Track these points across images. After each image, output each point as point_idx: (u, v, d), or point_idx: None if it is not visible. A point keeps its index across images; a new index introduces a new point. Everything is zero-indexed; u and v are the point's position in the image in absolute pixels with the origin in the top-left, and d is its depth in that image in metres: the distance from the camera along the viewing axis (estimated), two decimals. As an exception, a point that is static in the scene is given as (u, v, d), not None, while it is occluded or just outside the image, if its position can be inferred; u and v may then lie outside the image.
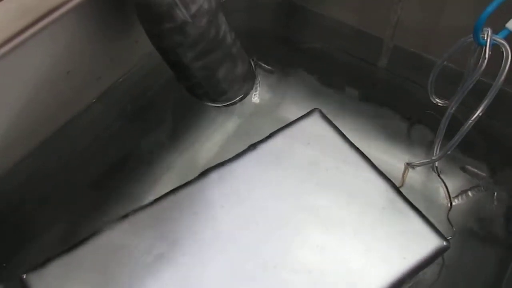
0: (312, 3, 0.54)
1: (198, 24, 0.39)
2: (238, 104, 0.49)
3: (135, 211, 0.38)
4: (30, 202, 0.43)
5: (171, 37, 0.39)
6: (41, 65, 0.39)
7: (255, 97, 0.50)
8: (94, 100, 0.47)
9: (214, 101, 0.48)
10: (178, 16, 0.38)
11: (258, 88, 0.51)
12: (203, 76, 0.44)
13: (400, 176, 0.43)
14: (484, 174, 0.45)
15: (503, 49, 0.33)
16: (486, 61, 0.34)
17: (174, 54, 0.41)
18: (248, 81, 0.49)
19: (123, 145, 0.48)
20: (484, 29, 0.34)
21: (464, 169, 0.46)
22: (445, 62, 0.40)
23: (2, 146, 0.40)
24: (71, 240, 0.37)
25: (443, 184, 0.42)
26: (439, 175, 0.43)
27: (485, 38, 0.34)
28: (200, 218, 0.38)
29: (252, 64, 0.50)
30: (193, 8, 0.38)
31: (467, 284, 0.41)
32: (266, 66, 0.54)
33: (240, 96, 0.48)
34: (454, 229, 0.41)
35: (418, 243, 0.37)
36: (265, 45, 0.56)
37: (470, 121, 0.34)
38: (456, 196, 0.44)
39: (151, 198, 0.39)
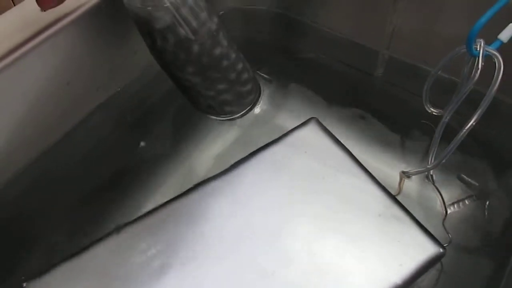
0: (307, 15, 0.55)
1: (200, 40, 0.39)
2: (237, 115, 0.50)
3: (135, 220, 0.39)
4: (30, 211, 0.43)
5: (172, 53, 0.39)
6: (42, 76, 0.40)
7: (256, 108, 0.51)
8: (93, 110, 0.48)
9: (218, 115, 0.47)
10: (180, 32, 0.37)
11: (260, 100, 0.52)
12: (206, 91, 0.43)
13: (396, 184, 0.43)
14: (478, 184, 0.46)
15: (496, 60, 0.34)
16: (479, 71, 0.34)
17: (176, 70, 0.41)
18: (253, 95, 0.48)
19: (123, 154, 0.48)
20: (477, 40, 0.34)
21: (459, 178, 0.46)
22: (439, 72, 0.41)
23: (3, 156, 0.41)
24: (71, 249, 0.37)
25: (438, 194, 0.43)
26: (434, 184, 0.43)
27: (478, 49, 0.34)
28: (198, 227, 0.38)
29: (256, 78, 0.50)
30: (195, 25, 0.38)
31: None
32: (265, 76, 0.54)
33: (245, 110, 0.48)
34: (450, 236, 0.41)
35: (415, 250, 0.37)
36: (262, 56, 0.57)
37: (464, 130, 0.34)
38: (451, 204, 0.44)
39: (150, 207, 0.39)
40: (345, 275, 0.36)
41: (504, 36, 0.35)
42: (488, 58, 0.34)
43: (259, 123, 0.50)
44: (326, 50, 0.54)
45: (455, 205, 0.44)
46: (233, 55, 0.43)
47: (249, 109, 0.48)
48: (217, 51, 0.40)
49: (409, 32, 0.47)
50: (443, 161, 0.36)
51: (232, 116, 0.47)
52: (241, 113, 0.47)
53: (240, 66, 0.44)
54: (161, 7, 0.36)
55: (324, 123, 0.45)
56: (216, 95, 0.44)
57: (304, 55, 0.56)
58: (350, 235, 0.38)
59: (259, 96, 0.49)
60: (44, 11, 0.37)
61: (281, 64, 0.56)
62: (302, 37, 0.56)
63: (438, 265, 0.41)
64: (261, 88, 0.50)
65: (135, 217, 0.39)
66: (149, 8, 0.36)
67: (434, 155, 0.39)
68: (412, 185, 0.45)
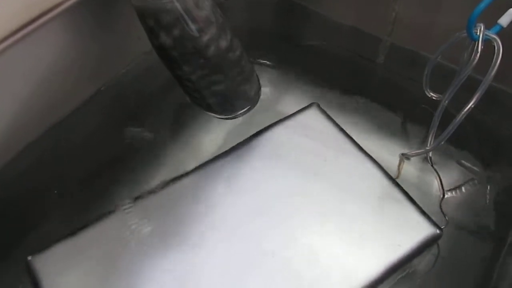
0: (311, 2, 0.55)
1: (205, 36, 0.37)
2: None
3: (136, 199, 0.39)
4: (36, 189, 0.44)
5: (176, 49, 0.38)
6: (44, 60, 0.41)
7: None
8: (95, 92, 0.48)
9: (218, 114, 0.46)
10: (184, 28, 0.36)
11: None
12: (207, 90, 0.42)
13: (396, 168, 0.44)
14: (477, 169, 0.47)
15: (495, 43, 0.35)
16: (478, 55, 0.35)
17: (178, 68, 0.40)
18: (255, 94, 0.46)
19: (125, 136, 0.48)
20: (477, 24, 0.35)
21: (459, 163, 0.47)
22: (440, 59, 0.41)
23: (7, 135, 0.42)
24: (75, 225, 0.38)
25: (437, 176, 0.44)
26: (432, 166, 0.44)
27: (478, 34, 0.35)
28: (199, 208, 0.39)
29: (257, 76, 0.48)
30: (200, 20, 0.36)
31: (460, 273, 0.42)
32: (267, 63, 0.55)
33: (246, 109, 0.46)
34: (447, 218, 0.42)
35: (413, 231, 0.38)
36: (266, 43, 0.57)
37: (463, 112, 0.35)
38: (450, 190, 0.45)
39: (154, 185, 0.40)
40: (344, 254, 0.36)
41: (503, 21, 0.35)
42: (487, 44, 0.35)
43: (262, 109, 0.51)
44: (328, 37, 0.55)
45: (454, 191, 0.45)
46: (238, 51, 0.41)
47: (250, 107, 0.46)
48: (223, 45, 0.39)
49: (411, 20, 0.48)
50: (442, 142, 0.37)
51: (234, 114, 0.46)
52: (242, 111, 0.46)
53: (243, 62, 0.43)
54: (166, 0, 0.35)
55: (326, 109, 0.45)
56: (219, 92, 0.42)
57: (307, 42, 0.56)
58: (350, 216, 0.38)
59: (258, 96, 0.47)
60: None
61: (284, 51, 0.57)
62: (305, 24, 0.56)
63: (434, 249, 0.42)
64: (260, 87, 0.49)
65: (138, 194, 0.39)
66: (154, 1, 0.35)
67: (433, 137, 0.40)
68: (411, 170, 0.45)
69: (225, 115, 0.46)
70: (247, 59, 0.43)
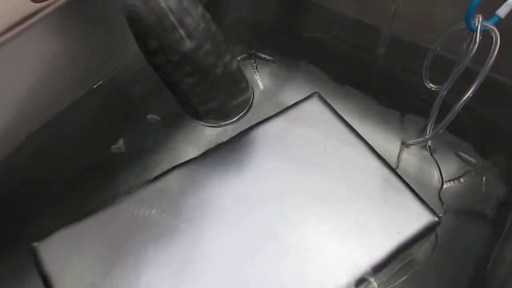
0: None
1: (195, 42, 0.36)
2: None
3: (140, 185, 0.40)
4: (41, 177, 0.45)
5: (165, 56, 0.37)
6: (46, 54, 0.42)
7: (259, 84, 0.52)
8: (99, 84, 0.49)
9: (209, 122, 0.45)
10: (173, 34, 0.35)
11: (259, 76, 0.52)
12: (198, 96, 0.41)
13: (395, 158, 0.45)
14: (475, 159, 0.47)
15: (493, 34, 0.35)
16: (477, 45, 0.36)
17: (169, 73, 0.39)
18: (247, 95, 0.45)
19: (125, 127, 0.49)
20: (476, 16, 0.36)
21: (457, 154, 0.47)
22: (440, 51, 0.42)
23: (11, 124, 0.43)
24: (79, 211, 0.39)
25: (436, 165, 0.44)
26: (431, 154, 0.45)
27: (476, 24, 0.36)
28: (203, 194, 0.39)
29: (249, 83, 0.46)
30: (190, 25, 0.35)
31: (458, 261, 0.42)
32: (268, 57, 0.55)
33: (238, 116, 0.45)
34: (445, 206, 0.43)
35: (411, 218, 0.38)
36: (268, 35, 0.58)
37: (462, 101, 0.36)
38: (449, 180, 0.46)
39: (159, 172, 0.41)
40: (345, 240, 0.37)
41: (501, 12, 0.36)
42: (486, 35, 0.36)
43: (264, 99, 0.51)
44: (330, 29, 0.55)
45: (453, 181, 0.46)
46: (228, 56, 0.40)
47: (243, 113, 0.45)
48: (212, 51, 0.38)
49: (411, 12, 0.48)
50: (441, 131, 0.37)
51: (225, 121, 0.45)
52: (235, 119, 0.45)
53: (234, 65, 0.41)
54: (155, 6, 0.33)
55: (327, 99, 0.46)
56: (209, 99, 0.42)
57: (309, 34, 0.57)
58: (350, 204, 0.39)
59: (248, 103, 0.46)
60: (36, 2, 0.35)
61: (285, 42, 0.57)
62: (307, 16, 0.57)
63: (433, 238, 0.42)
64: (253, 92, 0.48)
65: (142, 181, 0.40)
66: (142, 6, 0.33)
67: (432, 126, 0.41)
68: (410, 160, 0.46)
69: (216, 123, 0.45)
70: (237, 67, 0.42)
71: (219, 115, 0.44)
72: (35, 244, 0.37)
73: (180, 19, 0.34)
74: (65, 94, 0.47)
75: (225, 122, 0.45)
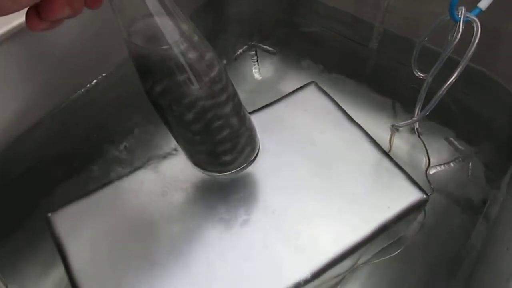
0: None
1: (204, 87, 0.32)
2: (241, 80, 0.53)
3: (146, 165, 0.43)
4: (59, 153, 0.48)
5: (171, 101, 0.33)
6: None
7: (257, 75, 0.55)
8: (106, 74, 0.52)
9: (207, 170, 0.39)
10: (181, 78, 0.31)
11: (259, 67, 0.55)
12: (204, 143, 0.36)
13: (387, 143, 0.48)
14: (463, 147, 0.50)
15: (475, 24, 0.38)
16: (459, 34, 0.39)
17: (175, 119, 0.34)
18: (252, 150, 0.39)
19: (137, 110, 0.52)
20: (459, 7, 0.39)
21: (447, 141, 0.50)
22: (428, 43, 0.45)
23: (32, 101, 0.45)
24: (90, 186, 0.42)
25: (423, 145, 0.47)
26: (419, 136, 0.48)
27: (459, 15, 0.39)
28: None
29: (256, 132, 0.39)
30: (199, 70, 0.31)
31: (443, 240, 0.46)
32: (268, 48, 0.58)
33: (241, 167, 0.38)
34: (433, 187, 0.46)
35: (401, 195, 0.41)
36: (268, 28, 0.60)
37: (446, 85, 0.39)
38: (439, 165, 0.49)
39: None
40: (339, 214, 0.40)
41: (483, 4, 0.39)
42: (468, 26, 0.39)
43: (263, 89, 0.54)
44: (327, 24, 0.58)
45: (439, 166, 0.49)
46: (236, 99, 0.35)
47: (244, 166, 0.39)
48: (222, 97, 0.33)
49: (401, 8, 0.51)
50: (427, 113, 0.40)
51: (232, 170, 0.38)
52: (241, 167, 0.39)
53: (242, 110, 0.36)
54: (163, 48, 0.30)
55: (324, 88, 0.49)
56: (217, 147, 0.36)
57: (307, 28, 0.59)
58: (343, 180, 0.42)
59: (254, 152, 0.39)
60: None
61: (284, 36, 0.60)
62: (305, 11, 0.60)
63: (421, 217, 0.45)
64: (258, 142, 0.39)
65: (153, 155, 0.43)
66: (150, 48, 0.30)
67: (419, 109, 0.44)
68: (402, 145, 0.49)
69: (214, 172, 0.39)
70: (245, 114, 0.37)
71: (228, 165, 0.38)
72: (49, 214, 0.39)
73: (189, 61, 0.31)
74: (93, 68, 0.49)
75: (228, 172, 0.39)
